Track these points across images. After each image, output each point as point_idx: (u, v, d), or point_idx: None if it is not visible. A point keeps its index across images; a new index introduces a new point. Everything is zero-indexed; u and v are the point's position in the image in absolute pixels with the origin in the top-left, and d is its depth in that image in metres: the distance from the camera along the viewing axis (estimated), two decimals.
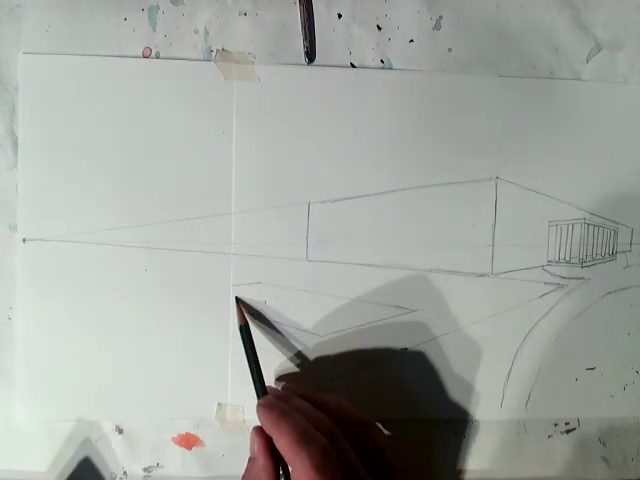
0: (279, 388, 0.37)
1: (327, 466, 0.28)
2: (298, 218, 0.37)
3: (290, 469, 0.29)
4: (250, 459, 0.32)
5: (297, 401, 0.33)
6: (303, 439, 0.28)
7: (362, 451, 0.31)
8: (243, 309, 0.36)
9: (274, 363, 0.37)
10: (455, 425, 0.39)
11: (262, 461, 0.31)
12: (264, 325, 0.37)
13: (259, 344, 0.35)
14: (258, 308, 0.37)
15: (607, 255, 0.40)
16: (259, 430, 0.31)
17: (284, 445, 0.29)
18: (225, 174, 0.37)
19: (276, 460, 0.31)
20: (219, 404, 0.37)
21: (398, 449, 0.33)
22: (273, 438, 0.30)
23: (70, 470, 0.37)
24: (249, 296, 0.37)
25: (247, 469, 0.32)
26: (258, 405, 0.32)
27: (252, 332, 0.35)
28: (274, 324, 0.37)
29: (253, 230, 0.37)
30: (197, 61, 0.37)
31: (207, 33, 0.37)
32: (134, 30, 0.36)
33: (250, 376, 0.34)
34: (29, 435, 0.36)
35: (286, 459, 0.29)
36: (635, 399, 0.40)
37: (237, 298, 0.37)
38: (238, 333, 0.36)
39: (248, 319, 0.36)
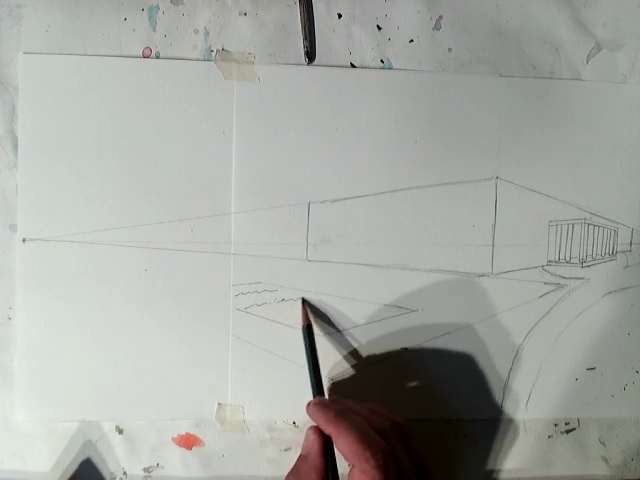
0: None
1: (389, 468, 0.28)
2: (298, 218, 0.37)
3: (349, 466, 0.29)
4: (301, 456, 0.32)
5: (351, 403, 0.33)
6: (365, 439, 0.29)
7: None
8: (308, 310, 0.37)
9: (275, 363, 0.37)
10: (455, 425, 0.39)
11: (317, 461, 0.31)
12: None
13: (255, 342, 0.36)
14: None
15: (607, 255, 0.40)
16: (317, 430, 0.31)
17: (346, 442, 0.29)
18: (225, 174, 0.37)
19: (326, 461, 0.31)
20: (219, 404, 0.37)
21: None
22: (332, 435, 0.30)
23: (70, 470, 0.37)
24: (249, 296, 0.37)
25: (296, 466, 0.32)
26: (313, 404, 0.32)
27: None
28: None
29: (253, 230, 0.37)
30: (197, 61, 0.37)
31: (207, 33, 0.37)
32: (134, 30, 0.36)
33: (307, 374, 0.34)
34: (29, 435, 0.36)
35: (346, 456, 0.29)
36: (635, 399, 0.40)
37: (303, 299, 0.37)
38: (238, 333, 0.36)
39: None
